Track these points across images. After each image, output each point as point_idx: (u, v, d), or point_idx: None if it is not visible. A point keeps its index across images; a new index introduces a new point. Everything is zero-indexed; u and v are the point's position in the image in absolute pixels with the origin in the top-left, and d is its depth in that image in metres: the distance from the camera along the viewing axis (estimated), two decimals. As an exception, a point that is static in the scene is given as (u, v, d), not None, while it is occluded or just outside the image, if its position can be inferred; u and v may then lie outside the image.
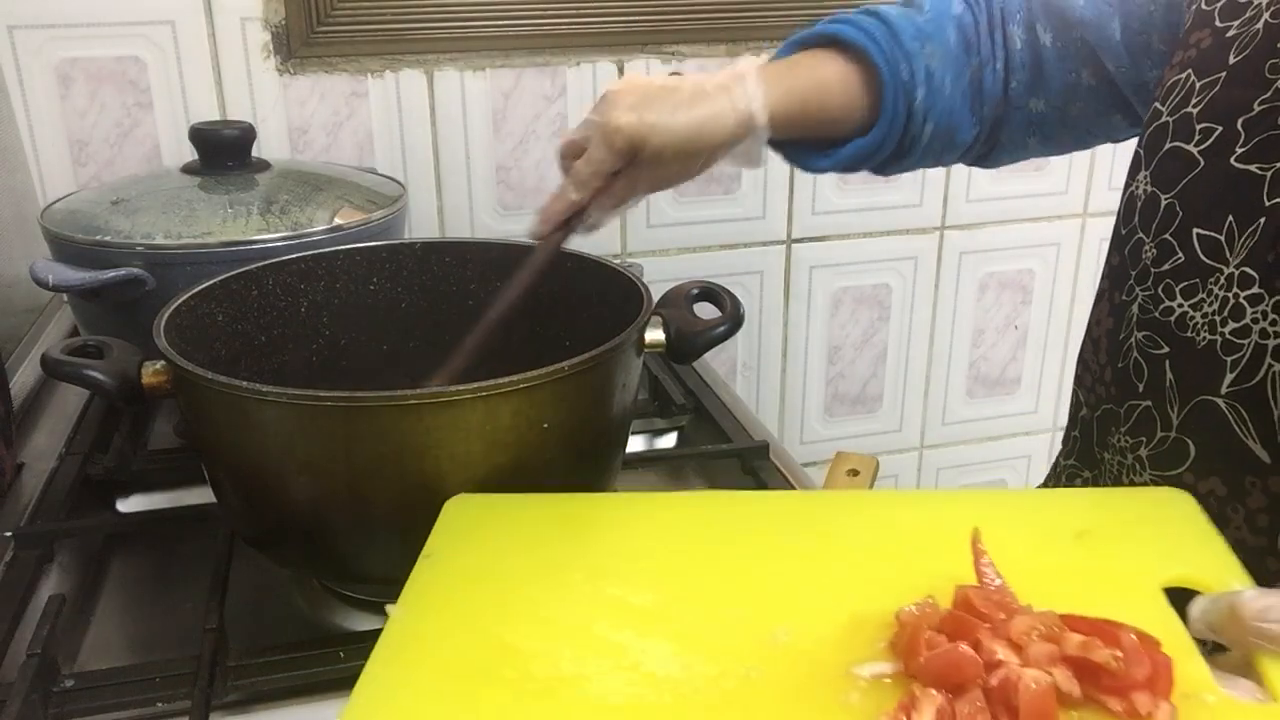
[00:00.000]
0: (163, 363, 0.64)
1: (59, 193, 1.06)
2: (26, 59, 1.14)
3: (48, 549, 0.75)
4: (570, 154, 0.70)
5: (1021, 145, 0.80)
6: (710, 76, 0.69)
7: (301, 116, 1.24)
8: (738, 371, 1.53)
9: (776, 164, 1.42)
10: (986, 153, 0.82)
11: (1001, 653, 0.41)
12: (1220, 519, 0.62)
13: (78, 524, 0.79)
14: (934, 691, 0.40)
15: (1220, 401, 0.61)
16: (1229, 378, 0.61)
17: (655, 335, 0.71)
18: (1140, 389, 0.67)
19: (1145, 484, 0.67)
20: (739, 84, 0.69)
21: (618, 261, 0.80)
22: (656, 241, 1.41)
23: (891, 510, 0.57)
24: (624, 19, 1.29)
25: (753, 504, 0.59)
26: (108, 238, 0.88)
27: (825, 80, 0.72)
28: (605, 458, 0.71)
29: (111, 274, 0.85)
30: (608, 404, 0.67)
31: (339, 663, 0.62)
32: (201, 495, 0.75)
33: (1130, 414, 0.68)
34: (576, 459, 0.65)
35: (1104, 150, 1.55)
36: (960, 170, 1.49)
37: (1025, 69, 0.76)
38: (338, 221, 0.92)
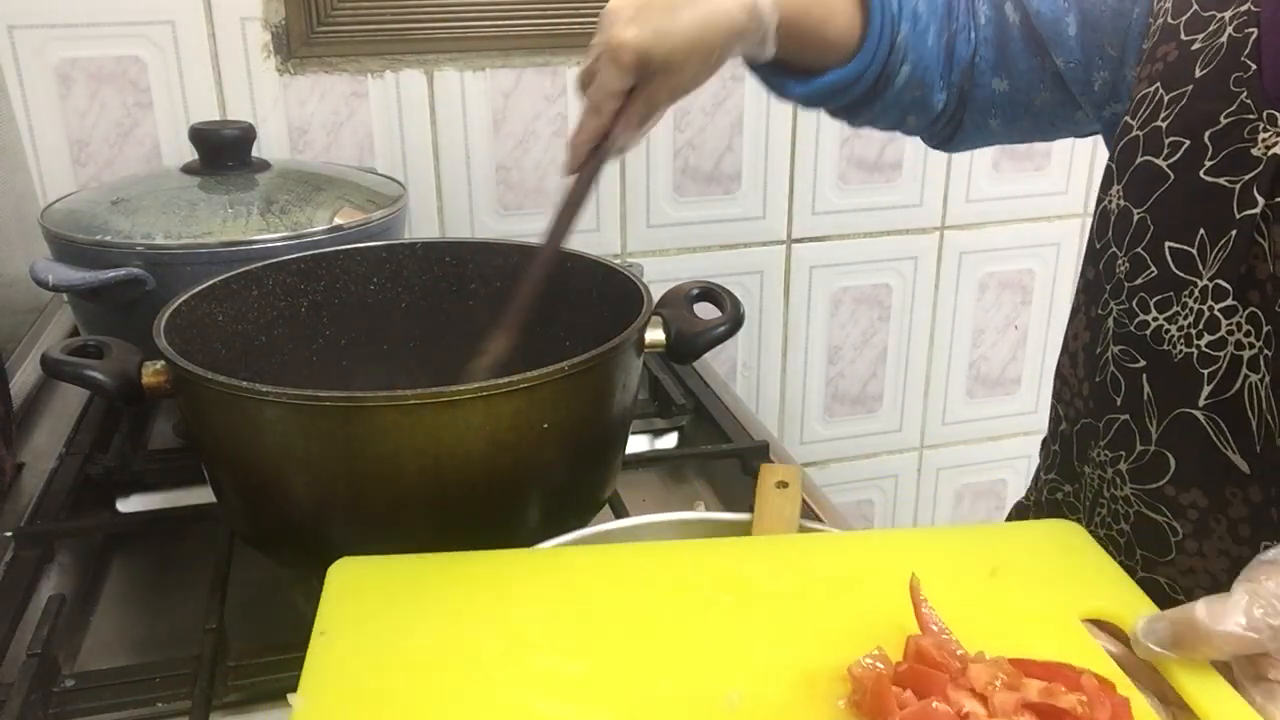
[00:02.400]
0: (163, 363, 0.64)
1: (59, 193, 1.06)
2: (26, 59, 1.14)
3: (48, 549, 0.75)
4: (587, 82, 0.68)
5: (983, 126, 0.80)
6: None
7: (301, 116, 1.24)
8: (738, 371, 1.53)
9: (777, 163, 1.43)
10: (951, 134, 0.82)
11: (968, 704, 0.41)
12: (1203, 530, 0.63)
13: (78, 524, 0.79)
14: None
15: (1199, 414, 0.61)
16: (1206, 390, 0.61)
17: (655, 335, 0.71)
18: (1118, 403, 0.67)
19: (1126, 497, 0.67)
20: None
21: (618, 261, 0.80)
22: (656, 241, 1.41)
23: (815, 556, 0.55)
24: (624, 19, 1.28)
25: (676, 554, 0.55)
26: (108, 238, 0.88)
27: None
28: (605, 458, 0.71)
29: (111, 274, 0.85)
30: (608, 404, 0.67)
31: (339, 663, 0.62)
32: (201, 495, 0.75)
33: (1109, 428, 0.68)
34: (576, 459, 0.65)
35: (1104, 150, 1.56)
36: (960, 170, 1.50)
37: (990, 45, 0.75)
38: (338, 221, 0.92)
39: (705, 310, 0.74)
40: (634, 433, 0.91)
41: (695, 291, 0.76)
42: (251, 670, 0.63)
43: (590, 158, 0.67)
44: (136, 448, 0.92)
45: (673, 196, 1.40)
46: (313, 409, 0.58)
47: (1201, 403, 0.61)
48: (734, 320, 0.73)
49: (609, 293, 0.76)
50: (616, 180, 1.37)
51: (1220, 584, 0.62)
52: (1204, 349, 0.61)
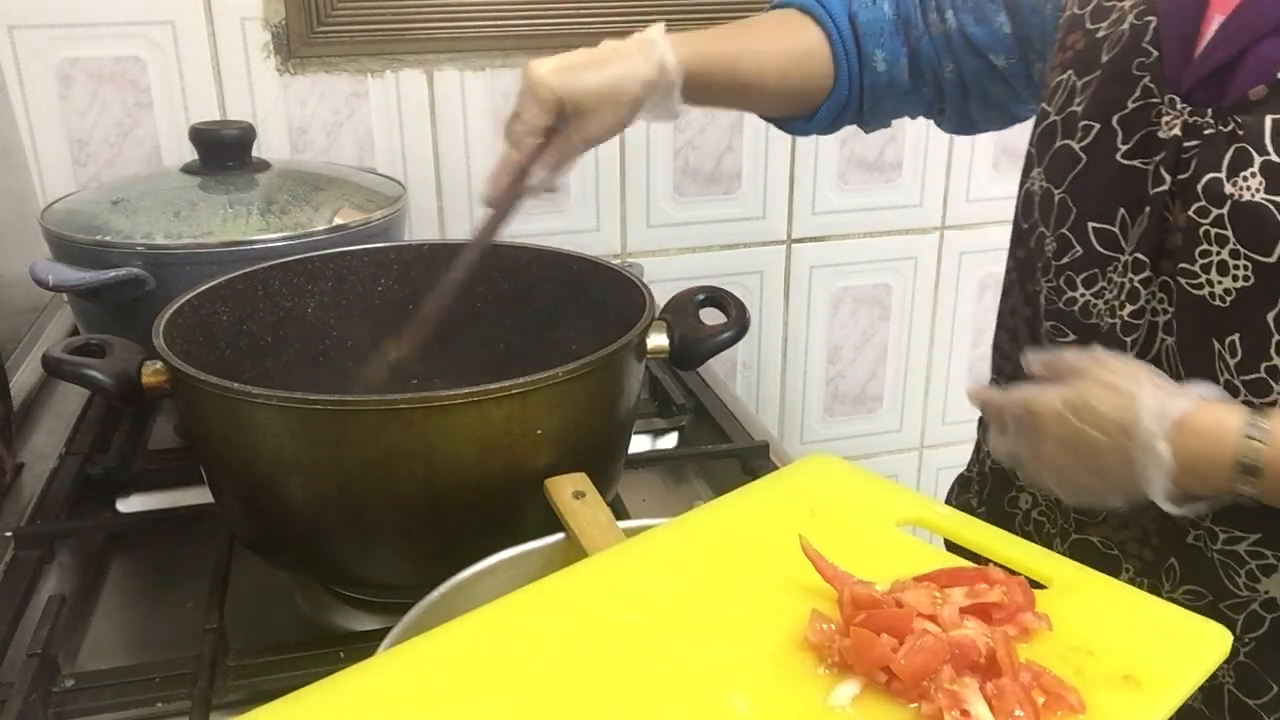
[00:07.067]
0: (162, 362, 0.64)
1: (59, 193, 1.06)
2: (26, 59, 1.14)
3: (48, 549, 0.75)
4: (511, 125, 0.74)
5: (964, 112, 0.84)
6: (625, 40, 0.75)
7: (301, 116, 1.24)
8: (738, 371, 1.53)
9: (776, 164, 1.43)
10: (941, 110, 0.86)
11: (930, 626, 0.43)
12: None
13: (78, 524, 0.79)
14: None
15: None
16: (1130, 356, 0.65)
17: (659, 341, 0.70)
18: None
19: None
20: (650, 42, 0.75)
21: (618, 262, 0.80)
22: (657, 241, 1.41)
23: (669, 550, 0.54)
24: (624, 19, 1.28)
25: (548, 597, 0.50)
26: (108, 238, 0.88)
27: (759, 49, 0.80)
28: (604, 463, 0.70)
29: (111, 274, 0.85)
30: (605, 410, 0.67)
31: (339, 663, 0.62)
32: (201, 495, 0.75)
33: None
34: (573, 464, 0.65)
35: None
36: (960, 170, 1.50)
37: (944, 40, 0.80)
38: (338, 221, 0.92)
39: (706, 314, 0.74)
40: (634, 433, 0.91)
41: (701, 298, 0.75)
42: (251, 670, 0.63)
43: (508, 192, 0.73)
44: (136, 448, 0.92)
45: (673, 196, 1.40)
46: (303, 412, 0.58)
47: None
48: (739, 326, 0.72)
49: (611, 295, 0.75)
50: (616, 180, 1.37)
51: (1149, 535, 0.67)
52: (1126, 319, 0.65)
